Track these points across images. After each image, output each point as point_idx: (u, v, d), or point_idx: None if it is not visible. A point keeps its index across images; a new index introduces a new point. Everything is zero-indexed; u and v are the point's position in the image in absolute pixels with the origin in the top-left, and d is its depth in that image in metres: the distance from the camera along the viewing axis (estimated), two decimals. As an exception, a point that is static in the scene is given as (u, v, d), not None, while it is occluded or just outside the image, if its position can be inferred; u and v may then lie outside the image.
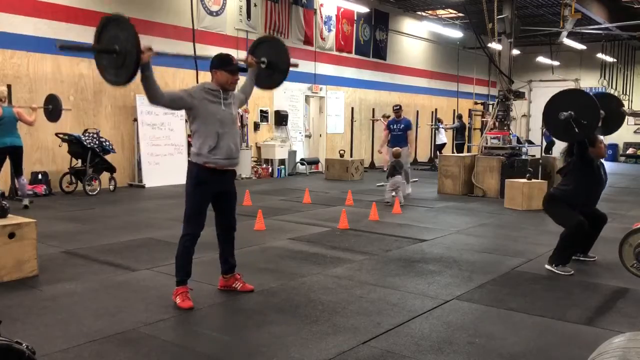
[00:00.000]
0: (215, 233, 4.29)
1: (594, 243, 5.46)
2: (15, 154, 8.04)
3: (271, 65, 4.55)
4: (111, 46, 3.62)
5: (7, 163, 8.27)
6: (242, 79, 4.28)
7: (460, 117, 17.33)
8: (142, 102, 11.05)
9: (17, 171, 8.16)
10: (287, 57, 4.60)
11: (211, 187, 4.00)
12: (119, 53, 3.61)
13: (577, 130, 4.75)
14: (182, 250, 4.00)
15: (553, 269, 5.03)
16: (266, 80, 4.70)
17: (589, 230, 5.12)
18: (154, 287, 4.42)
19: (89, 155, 9.60)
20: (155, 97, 3.75)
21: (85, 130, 9.95)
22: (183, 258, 4.00)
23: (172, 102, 3.90)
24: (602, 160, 5.30)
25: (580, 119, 4.73)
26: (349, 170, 13.02)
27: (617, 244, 4.54)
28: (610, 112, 5.39)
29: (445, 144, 16.70)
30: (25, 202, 8.02)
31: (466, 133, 17.05)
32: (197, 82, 10.59)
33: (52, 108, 8.52)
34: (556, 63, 22.22)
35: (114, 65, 3.68)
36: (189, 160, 4.05)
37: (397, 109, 10.61)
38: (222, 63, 3.99)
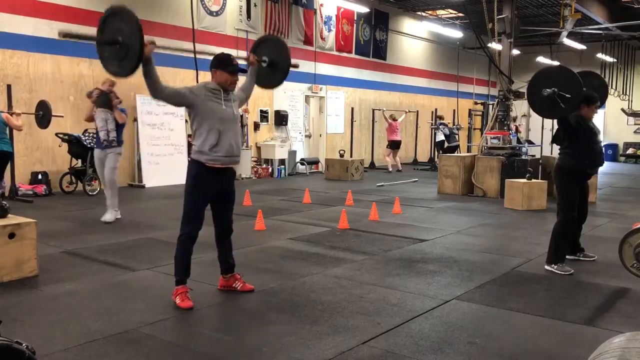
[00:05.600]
0: (214, 233, 4.29)
1: (579, 239, 5.52)
2: (2, 160, 8.02)
3: (272, 64, 4.56)
4: (114, 37, 3.62)
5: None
6: (241, 79, 4.29)
7: (441, 118, 16.52)
8: (142, 102, 11.06)
9: None
10: (288, 57, 4.62)
11: (211, 186, 4.00)
12: (122, 45, 3.60)
13: (562, 105, 4.83)
14: (180, 250, 3.99)
15: (552, 269, 5.04)
16: (267, 79, 4.71)
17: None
18: (154, 287, 4.42)
19: (89, 155, 9.60)
20: (156, 90, 3.77)
21: (85, 130, 9.94)
22: (182, 257, 3.99)
23: (172, 96, 3.88)
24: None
25: (564, 94, 4.81)
26: (349, 170, 13.02)
27: (617, 244, 4.53)
28: (593, 87, 5.46)
29: (444, 141, 16.58)
30: None
31: (458, 134, 16.55)
32: (197, 82, 10.59)
33: (42, 114, 8.51)
34: (556, 63, 22.19)
35: (116, 57, 3.69)
36: (189, 159, 4.04)
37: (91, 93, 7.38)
38: (221, 63, 3.99)
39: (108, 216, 7.11)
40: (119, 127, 7.22)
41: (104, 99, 7.15)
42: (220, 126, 3.91)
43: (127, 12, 3.64)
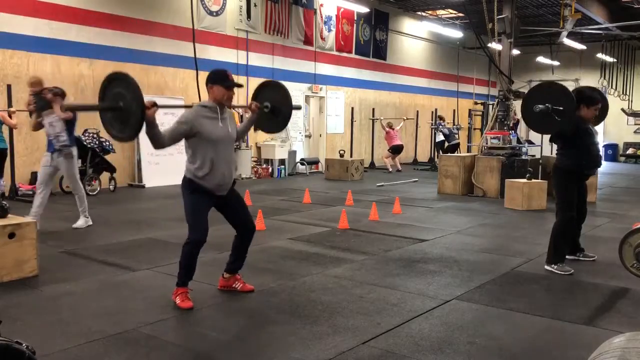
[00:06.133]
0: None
1: (579, 239, 5.51)
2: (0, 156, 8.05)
3: (274, 110, 4.54)
4: (115, 104, 3.61)
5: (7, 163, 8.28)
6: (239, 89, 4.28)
7: (442, 119, 16.79)
8: (142, 102, 11.06)
9: None
10: (290, 103, 4.61)
11: (208, 196, 4.01)
12: (123, 110, 3.60)
13: (557, 118, 4.85)
14: (187, 257, 3.97)
15: (552, 269, 5.04)
16: (268, 125, 4.73)
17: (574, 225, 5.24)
18: (154, 287, 4.42)
19: (89, 155, 9.61)
20: (161, 145, 3.84)
21: (85, 130, 9.94)
22: (187, 264, 3.97)
23: (171, 141, 3.89)
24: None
25: (557, 107, 4.86)
26: (349, 170, 13.03)
27: (617, 244, 4.53)
28: None
29: (444, 141, 16.59)
30: None
31: (457, 133, 16.67)
32: (197, 82, 10.58)
33: None
34: (556, 63, 22.22)
35: (118, 122, 3.68)
36: (184, 176, 4.03)
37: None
38: (217, 78, 3.97)
39: (80, 222, 6.74)
40: (69, 125, 6.45)
41: (42, 103, 6.33)
42: (213, 154, 3.91)
43: (127, 77, 3.61)
